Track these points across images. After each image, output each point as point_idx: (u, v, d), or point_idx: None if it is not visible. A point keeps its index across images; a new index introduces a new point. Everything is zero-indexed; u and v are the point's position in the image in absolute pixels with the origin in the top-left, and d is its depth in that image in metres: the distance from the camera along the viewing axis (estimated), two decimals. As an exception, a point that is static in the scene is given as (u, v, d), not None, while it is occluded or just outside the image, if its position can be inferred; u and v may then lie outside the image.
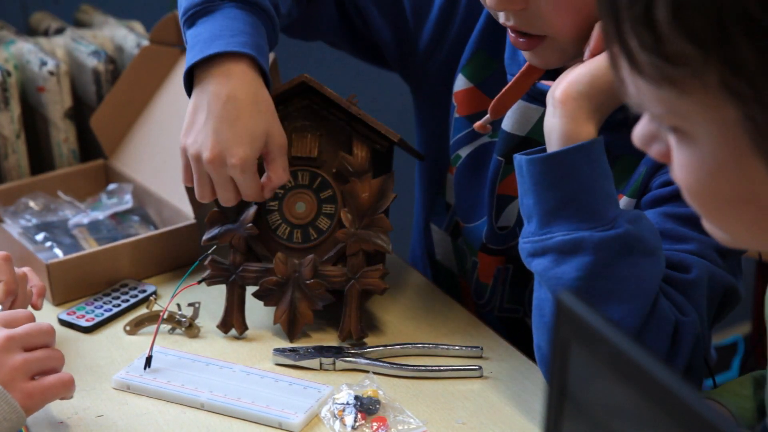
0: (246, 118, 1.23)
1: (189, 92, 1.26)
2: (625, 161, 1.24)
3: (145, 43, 1.68)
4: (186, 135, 1.25)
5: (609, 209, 1.11)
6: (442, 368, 1.27)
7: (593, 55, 1.14)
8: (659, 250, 1.13)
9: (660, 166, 1.21)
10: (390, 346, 1.31)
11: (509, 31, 1.19)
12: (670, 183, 1.19)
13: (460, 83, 1.38)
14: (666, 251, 1.16)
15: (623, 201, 1.23)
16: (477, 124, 1.30)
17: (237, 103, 1.22)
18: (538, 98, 1.28)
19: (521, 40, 1.18)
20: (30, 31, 1.84)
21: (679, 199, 1.18)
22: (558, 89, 1.13)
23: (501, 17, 1.18)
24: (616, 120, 1.23)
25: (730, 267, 1.22)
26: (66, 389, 1.12)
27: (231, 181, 1.25)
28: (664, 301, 1.14)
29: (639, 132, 0.81)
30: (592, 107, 1.12)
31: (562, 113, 1.12)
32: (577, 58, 1.18)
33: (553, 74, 1.26)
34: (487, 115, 1.28)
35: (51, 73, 1.64)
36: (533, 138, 1.30)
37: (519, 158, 1.14)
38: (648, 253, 1.12)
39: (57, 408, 1.21)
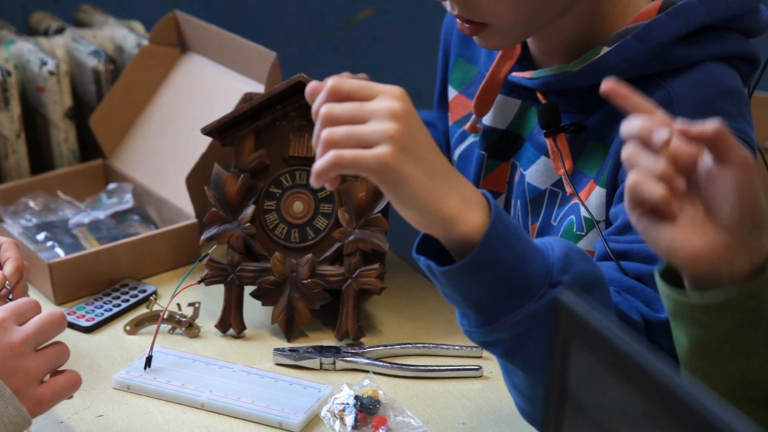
0: None
1: None
2: (595, 146, 1.24)
3: (145, 43, 1.68)
4: None
5: (535, 278, 0.98)
6: (442, 368, 1.27)
7: None
8: (597, 275, 1.02)
9: None
10: (390, 346, 1.31)
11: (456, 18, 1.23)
12: None
13: (451, 93, 1.43)
14: (641, 243, 1.12)
15: (596, 191, 1.22)
16: (467, 125, 1.35)
17: None
18: (515, 90, 1.31)
19: (466, 26, 1.21)
20: (30, 31, 1.84)
21: None
22: None
23: (447, 5, 1.21)
24: (583, 103, 1.23)
25: None
26: (75, 389, 1.09)
27: None
28: (626, 306, 1.08)
29: None
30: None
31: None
32: (522, 40, 1.24)
33: (524, 65, 1.29)
34: (474, 116, 1.33)
35: (51, 73, 1.64)
36: (513, 131, 1.32)
37: (426, 265, 1.02)
38: (588, 288, 1.01)
39: (57, 408, 1.20)
